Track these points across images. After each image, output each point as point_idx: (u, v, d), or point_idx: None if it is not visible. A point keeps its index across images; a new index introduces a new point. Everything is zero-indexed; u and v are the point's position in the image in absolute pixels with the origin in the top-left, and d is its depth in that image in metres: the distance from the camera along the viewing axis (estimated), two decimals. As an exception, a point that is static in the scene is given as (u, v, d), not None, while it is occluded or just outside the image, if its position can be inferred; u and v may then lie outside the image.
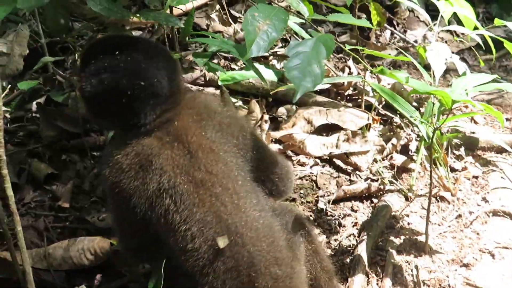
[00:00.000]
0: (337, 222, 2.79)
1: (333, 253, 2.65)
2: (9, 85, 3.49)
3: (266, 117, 3.40)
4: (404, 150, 3.30)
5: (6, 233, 2.34)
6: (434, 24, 3.14)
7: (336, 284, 2.31)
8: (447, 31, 4.33)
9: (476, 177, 3.13)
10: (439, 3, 3.20)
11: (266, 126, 3.33)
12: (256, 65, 3.84)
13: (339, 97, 3.81)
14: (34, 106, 3.48)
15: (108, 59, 1.89)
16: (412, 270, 2.52)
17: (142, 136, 1.92)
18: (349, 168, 3.14)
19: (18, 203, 2.91)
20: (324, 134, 3.36)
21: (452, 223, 2.80)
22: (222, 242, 1.82)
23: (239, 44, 2.81)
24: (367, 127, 3.35)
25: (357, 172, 3.11)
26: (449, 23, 3.33)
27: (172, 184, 1.86)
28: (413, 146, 3.29)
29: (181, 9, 3.74)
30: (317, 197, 2.92)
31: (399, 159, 3.17)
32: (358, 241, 2.61)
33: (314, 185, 3.00)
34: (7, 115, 3.41)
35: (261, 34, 2.09)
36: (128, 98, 1.87)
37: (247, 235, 1.91)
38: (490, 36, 2.97)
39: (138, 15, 2.58)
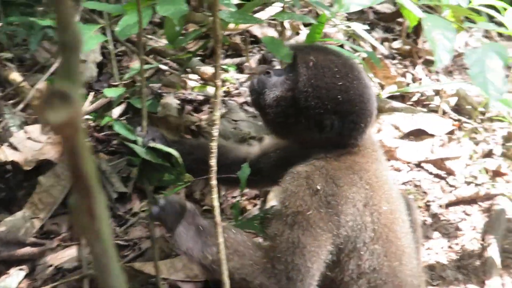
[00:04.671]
0: (454, 227, 2.84)
1: (458, 256, 2.69)
2: (93, 93, 3.42)
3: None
4: (489, 154, 3.38)
5: (154, 245, 2.28)
6: None
7: None
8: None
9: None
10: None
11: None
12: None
13: (408, 103, 3.87)
14: (114, 113, 3.38)
15: (345, 82, 1.83)
16: (543, 272, 2.59)
17: (347, 152, 1.89)
18: (442, 173, 3.19)
19: (128, 213, 2.84)
20: (408, 140, 3.41)
21: None
22: None
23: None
24: (452, 132, 3.42)
25: (452, 177, 3.17)
26: None
27: (375, 201, 1.85)
28: (497, 150, 3.38)
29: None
30: (427, 202, 2.96)
31: (491, 164, 3.24)
32: (485, 244, 2.66)
33: (420, 189, 3.04)
34: (91, 123, 3.30)
35: (439, 44, 2.13)
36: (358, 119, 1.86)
37: (406, 253, 1.93)
38: None
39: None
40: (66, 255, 2.70)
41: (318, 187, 1.78)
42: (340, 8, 2.26)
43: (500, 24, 3.08)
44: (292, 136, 1.96)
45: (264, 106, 1.91)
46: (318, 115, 1.82)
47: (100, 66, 3.76)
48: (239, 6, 4.10)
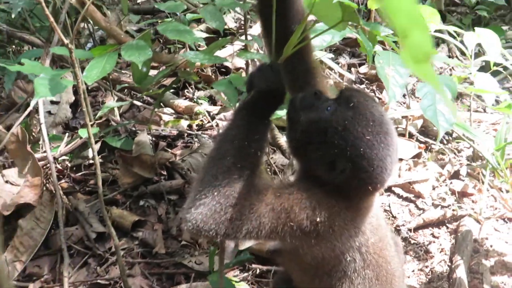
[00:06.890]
0: (423, 250, 2.95)
1: (427, 279, 2.80)
2: (67, 134, 3.48)
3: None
4: (455, 175, 3.51)
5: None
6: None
7: None
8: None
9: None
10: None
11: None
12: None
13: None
14: (90, 153, 3.45)
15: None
16: (509, 290, 2.71)
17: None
18: (411, 196, 3.31)
19: (107, 252, 2.90)
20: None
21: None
22: None
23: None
24: (419, 155, 3.55)
25: (421, 200, 3.29)
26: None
27: (362, 241, 1.90)
28: (463, 171, 3.51)
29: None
30: (397, 226, 3.07)
31: (457, 185, 3.37)
32: (453, 266, 2.77)
33: (390, 214, 3.15)
34: (68, 164, 3.37)
35: (391, 80, 2.25)
36: None
37: (396, 276, 2.02)
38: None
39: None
40: (49, 297, 2.76)
41: (318, 219, 1.76)
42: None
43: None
44: (304, 161, 1.95)
45: (296, 122, 1.88)
46: (335, 156, 1.77)
47: (76, 104, 3.83)
48: (209, 39, 4.23)
